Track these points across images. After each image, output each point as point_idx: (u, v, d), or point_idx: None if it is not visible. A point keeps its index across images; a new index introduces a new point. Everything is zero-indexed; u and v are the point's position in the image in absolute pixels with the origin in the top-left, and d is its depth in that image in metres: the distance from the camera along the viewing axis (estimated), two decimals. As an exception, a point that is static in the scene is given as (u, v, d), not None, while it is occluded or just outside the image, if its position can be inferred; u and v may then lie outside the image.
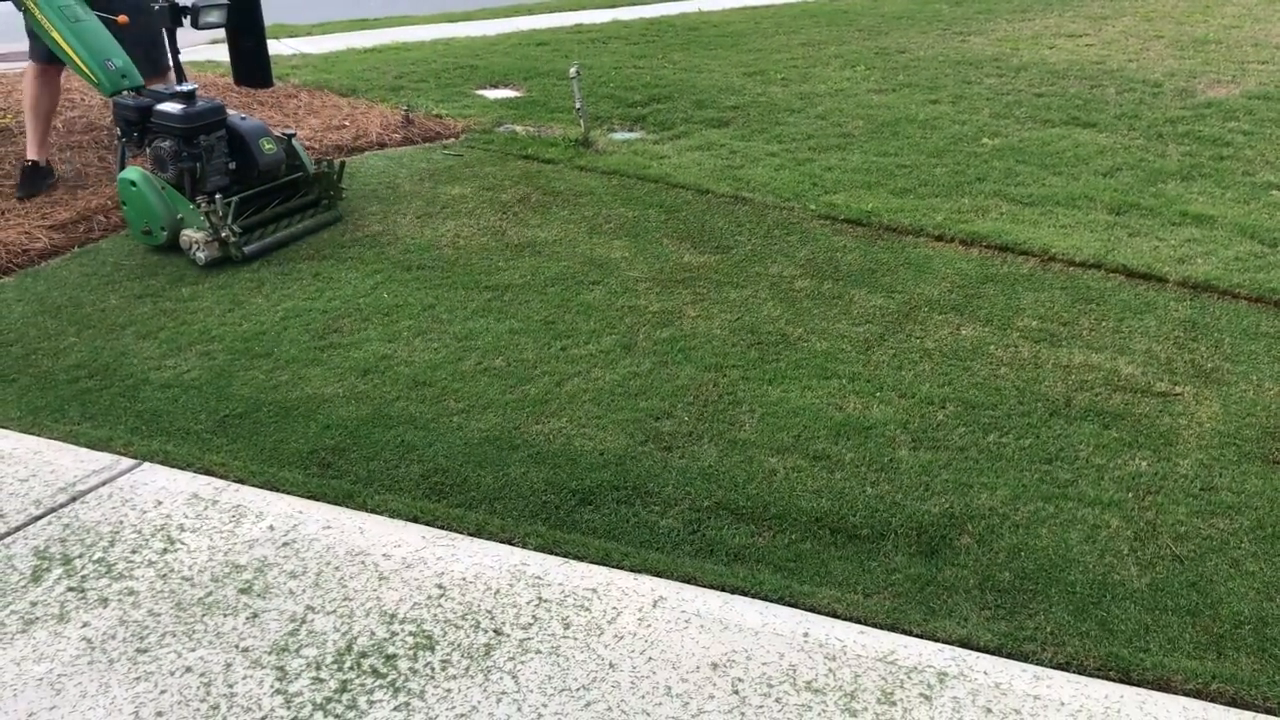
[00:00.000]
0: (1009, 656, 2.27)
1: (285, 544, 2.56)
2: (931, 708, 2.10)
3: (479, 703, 2.10)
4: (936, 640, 2.31)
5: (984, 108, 6.43)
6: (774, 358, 3.52)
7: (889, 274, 4.16)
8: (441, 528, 2.66)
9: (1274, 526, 2.63)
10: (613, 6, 10.67)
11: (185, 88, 4.33)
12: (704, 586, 2.48)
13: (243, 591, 2.40)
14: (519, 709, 2.08)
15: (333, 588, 2.41)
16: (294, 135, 4.63)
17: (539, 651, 2.24)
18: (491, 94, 6.99)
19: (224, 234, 4.18)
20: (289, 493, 2.78)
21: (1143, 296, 3.94)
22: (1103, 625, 2.34)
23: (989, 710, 2.09)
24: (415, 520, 2.69)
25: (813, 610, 2.40)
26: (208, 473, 2.86)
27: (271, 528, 2.62)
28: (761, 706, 2.10)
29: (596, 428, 3.10)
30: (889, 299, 3.94)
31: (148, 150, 4.38)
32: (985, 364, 3.44)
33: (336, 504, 2.74)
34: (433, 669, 2.18)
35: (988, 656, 2.26)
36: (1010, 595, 2.43)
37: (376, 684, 2.14)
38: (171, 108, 4.28)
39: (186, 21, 4.41)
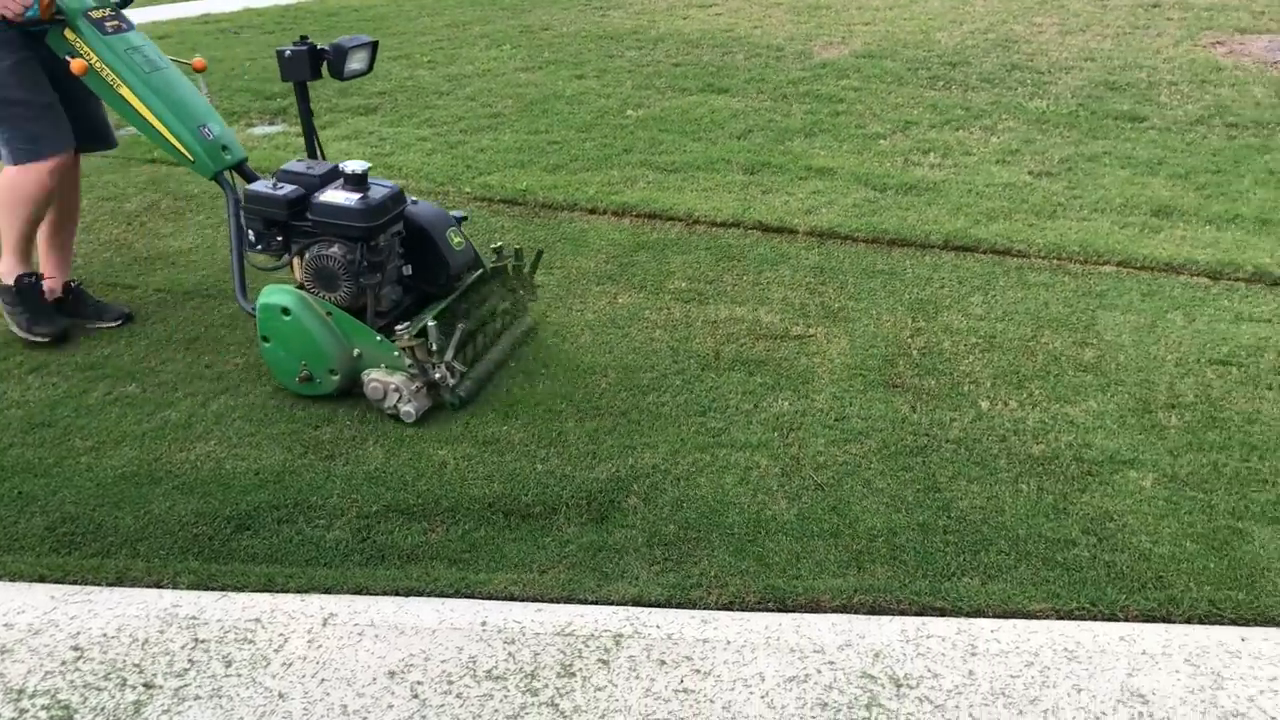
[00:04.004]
0: (678, 606, 2.37)
1: (-125, 635, 2.20)
2: (610, 671, 2.15)
3: (130, 768, 1.91)
4: (611, 604, 2.37)
5: (627, 80, 6.66)
6: (437, 347, 3.45)
7: (547, 250, 4.20)
8: (75, 583, 2.40)
9: (895, 445, 2.92)
10: (244, -7, 10.03)
11: (355, 167, 3.02)
12: (377, 594, 2.40)
13: None
14: (177, 765, 1.91)
15: (-60, 675, 2.10)
16: (465, 218, 3.44)
17: (198, 697, 2.07)
18: (108, 94, 6.35)
19: (437, 374, 3.01)
20: (-123, 575, 2.39)
21: (777, 249, 4.24)
22: (760, 560, 2.50)
23: (663, 662, 2.17)
24: (42, 579, 2.40)
25: (490, 598, 2.39)
26: None
27: None
28: (442, 705, 2.06)
29: (250, 446, 2.91)
30: (549, 275, 3.98)
31: (302, 260, 3.11)
32: (641, 329, 3.57)
33: (-60, 578, 2.39)
34: (72, 742, 1.96)
35: (660, 610, 2.35)
36: (676, 547, 2.54)
37: (3, 774, 1.89)
38: (343, 198, 3.00)
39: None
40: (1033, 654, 2.19)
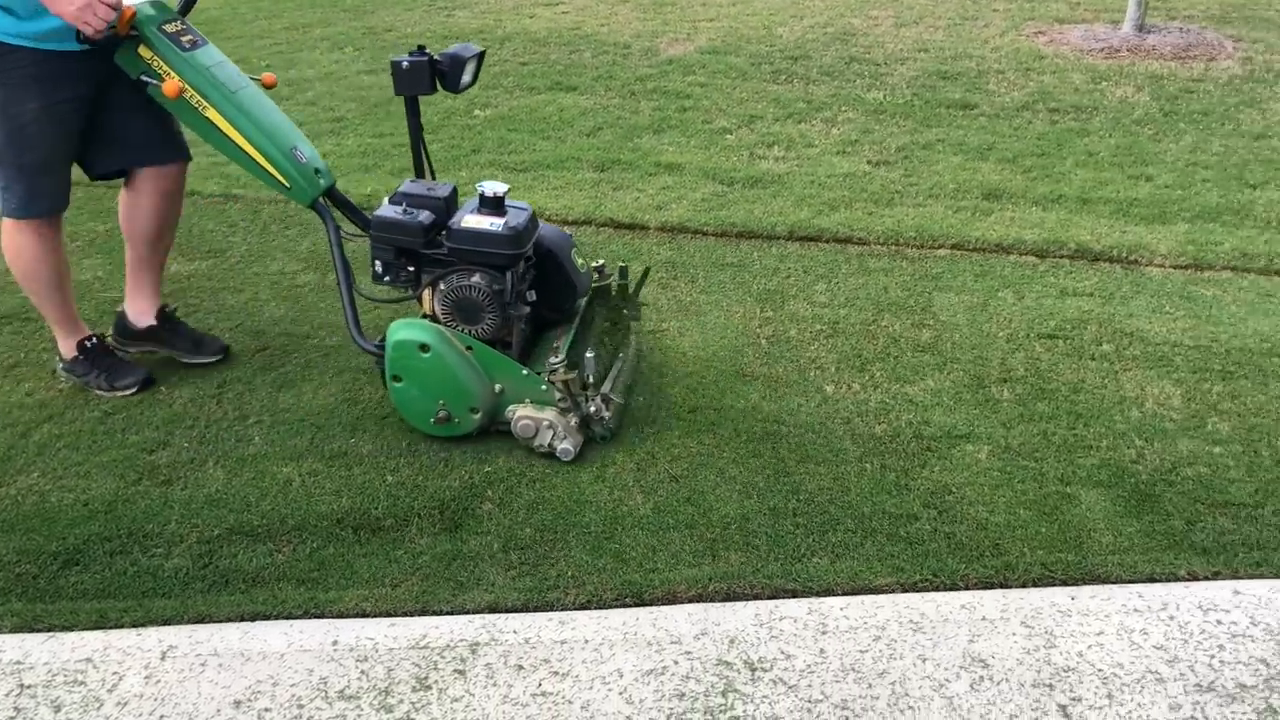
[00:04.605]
0: (536, 609, 2.35)
1: None
2: (466, 681, 2.12)
3: (-53, 831, 1.78)
4: (467, 613, 2.33)
5: (474, 80, 6.57)
6: (281, 362, 3.34)
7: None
8: (-119, 636, 2.22)
9: (747, 433, 2.97)
10: None
11: (495, 189, 2.82)
12: (221, 622, 2.30)
13: None
14: (1, 822, 1.80)
15: None
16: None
17: (23, 748, 1.94)
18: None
19: (592, 407, 2.82)
20: None
21: (630, 245, 4.26)
22: (617, 556, 2.50)
23: (520, 667, 2.15)
24: None
25: (341, 616, 2.32)
26: None
27: None
28: (292, 732, 1.99)
29: (78, 476, 2.75)
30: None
31: (434, 292, 2.87)
32: (493, 331, 3.53)
33: None
34: (-120, 809, 1.81)
35: (517, 615, 2.33)
36: (532, 549, 2.52)
37: None
38: (487, 223, 2.77)
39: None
40: (880, 628, 2.26)
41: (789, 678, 2.12)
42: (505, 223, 2.77)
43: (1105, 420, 3.01)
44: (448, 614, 2.33)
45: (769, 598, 2.38)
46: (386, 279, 2.93)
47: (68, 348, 3.16)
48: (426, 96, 2.93)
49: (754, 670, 2.14)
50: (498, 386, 2.84)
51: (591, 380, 2.81)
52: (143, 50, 2.73)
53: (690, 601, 2.38)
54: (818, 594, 2.39)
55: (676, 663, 2.16)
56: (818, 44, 7.37)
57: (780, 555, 2.50)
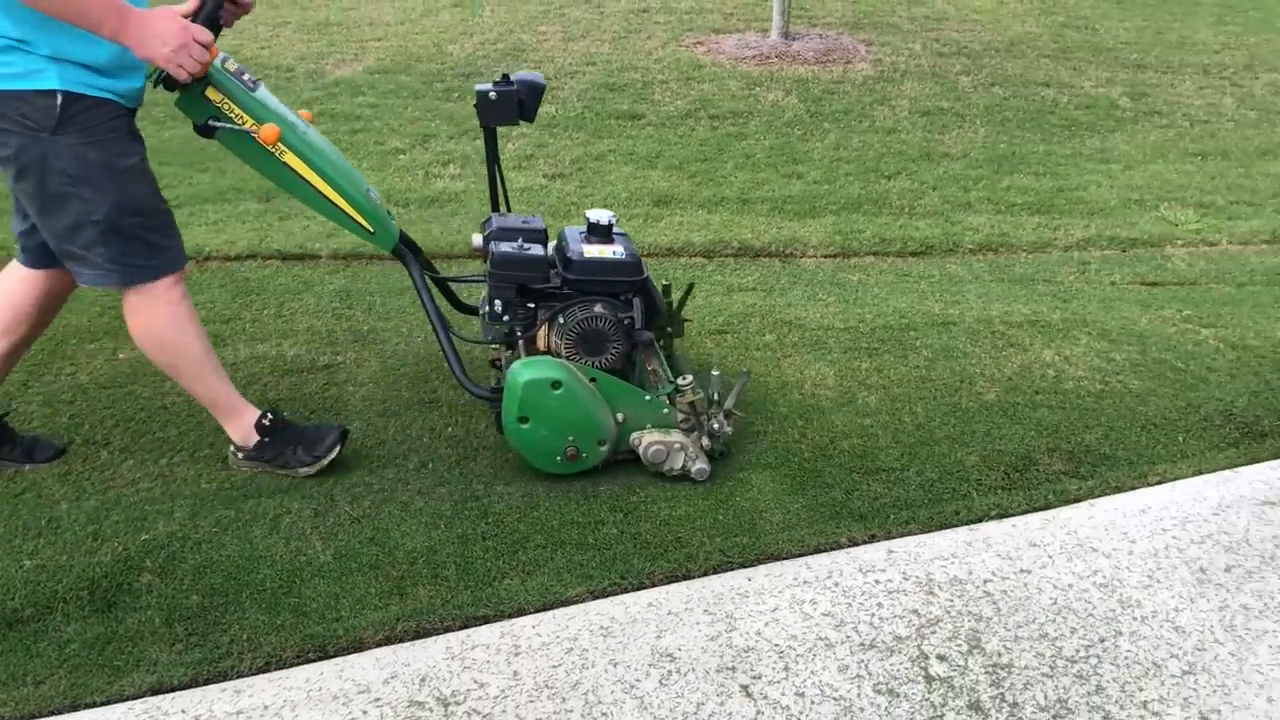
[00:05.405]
0: (207, 682, 2.17)
1: None
2: (127, 777, 1.92)
3: None
4: (126, 699, 2.11)
5: (118, 111, 6.05)
6: (-115, 445, 2.89)
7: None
8: None
9: (435, 461, 2.90)
10: None
11: (604, 217, 2.89)
12: None
13: None
14: None
15: None
16: None
17: None
18: None
19: (715, 424, 2.79)
20: None
21: (300, 277, 4.06)
22: (296, 611, 2.36)
23: (191, 749, 1.98)
24: None
25: (-29, 731, 2.04)
26: None
27: None
28: None
29: None
30: (30, 339, 3.49)
31: (553, 327, 2.83)
32: (148, 385, 3.24)
33: None
34: None
35: (185, 693, 2.13)
36: (200, 618, 2.33)
37: None
38: (609, 252, 2.82)
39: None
40: (571, 639, 2.27)
41: (483, 707, 2.08)
42: (626, 252, 2.85)
43: (770, 405, 3.21)
44: (103, 704, 2.10)
45: (461, 628, 2.33)
46: (506, 318, 2.87)
47: (243, 432, 2.79)
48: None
49: (447, 705, 2.08)
50: (620, 415, 2.80)
51: (717, 398, 2.83)
52: (211, 93, 2.43)
53: (378, 645, 2.28)
54: (510, 616, 2.37)
55: (365, 712, 2.06)
56: (489, 60, 7.40)
57: (470, 582, 2.45)
